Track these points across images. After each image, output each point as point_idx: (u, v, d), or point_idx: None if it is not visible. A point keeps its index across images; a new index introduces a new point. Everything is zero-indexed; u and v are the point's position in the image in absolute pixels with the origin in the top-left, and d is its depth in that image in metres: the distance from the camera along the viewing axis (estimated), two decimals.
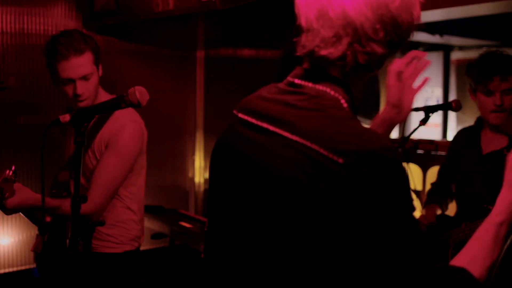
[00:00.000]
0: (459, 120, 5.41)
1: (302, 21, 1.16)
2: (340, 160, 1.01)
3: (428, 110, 2.55)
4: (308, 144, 1.06)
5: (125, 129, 2.34)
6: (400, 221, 1.04)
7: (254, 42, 4.50)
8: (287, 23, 4.18)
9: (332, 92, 1.15)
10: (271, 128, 1.15)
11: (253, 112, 1.21)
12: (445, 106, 2.58)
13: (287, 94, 1.18)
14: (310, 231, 1.04)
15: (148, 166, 2.58)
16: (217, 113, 4.60)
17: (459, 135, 2.82)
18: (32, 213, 2.23)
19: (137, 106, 1.55)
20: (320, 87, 1.16)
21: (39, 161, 1.66)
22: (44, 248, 2.42)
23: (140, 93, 1.54)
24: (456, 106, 2.57)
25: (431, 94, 5.73)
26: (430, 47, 5.54)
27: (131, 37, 4.06)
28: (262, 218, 1.12)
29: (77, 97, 2.31)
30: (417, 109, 2.70)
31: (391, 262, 1.02)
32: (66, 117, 1.60)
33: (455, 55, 5.52)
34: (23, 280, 3.57)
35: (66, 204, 2.07)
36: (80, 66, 2.27)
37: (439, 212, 2.83)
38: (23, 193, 2.07)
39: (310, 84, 1.17)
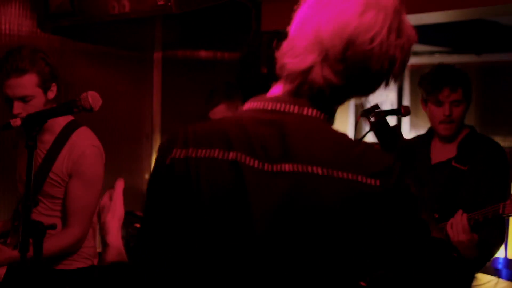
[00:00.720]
0: (412, 124, 5.55)
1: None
2: (377, 183, 1.05)
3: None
4: (344, 175, 1.05)
5: (87, 156, 2.36)
6: (420, 220, 1.13)
7: (211, 44, 4.53)
8: (244, 25, 4.23)
9: (322, 117, 1.13)
10: (288, 168, 1.07)
11: (251, 154, 1.09)
12: (394, 112, 2.66)
13: (278, 124, 1.10)
14: (355, 253, 1.07)
15: (105, 168, 2.58)
16: (174, 115, 4.61)
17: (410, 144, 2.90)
18: None
19: (89, 110, 1.57)
20: (308, 111, 1.12)
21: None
22: (5, 277, 2.46)
23: (92, 98, 1.55)
24: (405, 112, 2.65)
25: (385, 98, 5.85)
26: None
27: (88, 38, 4.02)
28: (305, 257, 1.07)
29: (15, 115, 2.28)
30: None
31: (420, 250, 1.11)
32: (17, 121, 1.60)
33: (409, 61, 5.66)
34: None
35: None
36: (18, 87, 2.24)
37: None
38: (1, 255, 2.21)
39: (296, 109, 1.12)
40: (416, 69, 5.64)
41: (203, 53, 4.69)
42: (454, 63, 2.72)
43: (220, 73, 4.35)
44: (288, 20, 1.24)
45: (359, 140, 1.17)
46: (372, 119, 2.38)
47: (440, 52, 5.20)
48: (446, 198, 2.55)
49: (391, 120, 5.99)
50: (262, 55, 1.90)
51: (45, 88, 2.32)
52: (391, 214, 1.06)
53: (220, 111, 3.27)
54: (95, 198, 2.40)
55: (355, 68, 1.09)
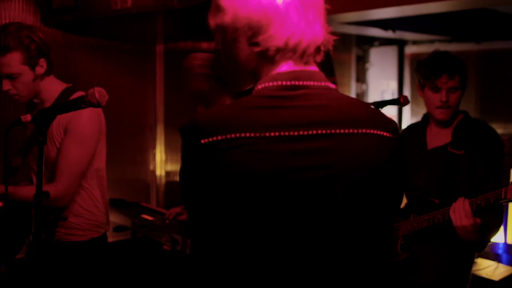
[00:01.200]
0: (413, 112, 5.60)
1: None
2: (395, 136, 1.26)
3: (377, 106, 2.66)
4: (374, 131, 1.23)
5: (82, 113, 2.30)
6: None
7: (212, 36, 4.56)
8: None
9: (333, 85, 1.27)
10: (327, 131, 1.18)
11: (289, 125, 1.16)
12: (393, 102, 2.70)
13: (308, 97, 1.20)
14: (386, 199, 1.27)
15: (110, 160, 2.62)
16: (177, 106, 4.65)
17: (406, 130, 2.94)
18: None
19: (96, 106, 1.61)
20: (323, 83, 1.25)
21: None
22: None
23: (99, 94, 1.60)
24: (403, 102, 2.70)
25: (386, 86, 5.89)
26: (385, 42, 5.69)
27: (91, 32, 4.07)
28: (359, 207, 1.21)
29: (7, 91, 2.36)
30: None
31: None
32: (27, 117, 1.65)
33: (409, 49, 5.69)
34: None
35: (21, 190, 2.21)
36: (3, 65, 2.29)
37: None
38: None
39: (313, 83, 1.23)
40: (416, 57, 5.68)
41: (204, 44, 4.72)
42: (454, 52, 2.76)
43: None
44: None
45: (367, 103, 1.43)
46: None
47: (440, 41, 5.24)
48: (444, 184, 2.61)
49: (391, 110, 6.01)
50: None
51: (32, 64, 2.33)
52: (402, 157, 1.31)
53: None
54: (86, 156, 2.38)
55: None
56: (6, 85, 2.32)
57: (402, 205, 2.91)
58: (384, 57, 5.83)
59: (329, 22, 1.28)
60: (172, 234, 3.06)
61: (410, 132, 2.88)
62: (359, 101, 1.31)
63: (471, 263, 2.64)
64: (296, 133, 1.16)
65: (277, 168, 1.14)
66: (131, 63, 4.37)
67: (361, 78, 5.90)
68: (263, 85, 1.22)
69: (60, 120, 2.34)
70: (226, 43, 1.29)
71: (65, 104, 1.64)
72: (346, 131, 1.20)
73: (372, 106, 1.33)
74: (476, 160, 2.54)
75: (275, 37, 1.20)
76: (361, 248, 1.24)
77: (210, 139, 1.14)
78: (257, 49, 1.22)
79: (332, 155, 1.18)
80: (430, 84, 2.60)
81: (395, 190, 1.29)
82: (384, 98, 5.85)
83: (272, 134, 1.14)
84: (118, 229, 3.75)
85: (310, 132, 1.17)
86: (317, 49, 1.26)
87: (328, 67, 4.46)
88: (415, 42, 5.59)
